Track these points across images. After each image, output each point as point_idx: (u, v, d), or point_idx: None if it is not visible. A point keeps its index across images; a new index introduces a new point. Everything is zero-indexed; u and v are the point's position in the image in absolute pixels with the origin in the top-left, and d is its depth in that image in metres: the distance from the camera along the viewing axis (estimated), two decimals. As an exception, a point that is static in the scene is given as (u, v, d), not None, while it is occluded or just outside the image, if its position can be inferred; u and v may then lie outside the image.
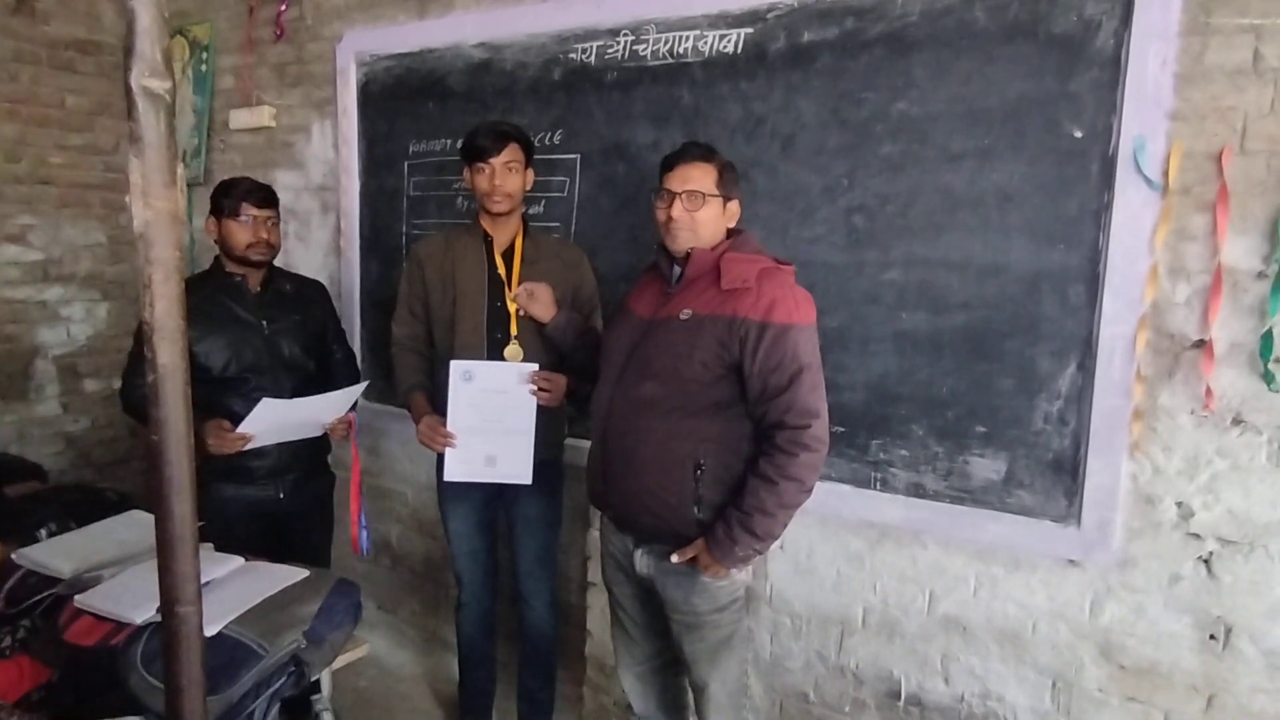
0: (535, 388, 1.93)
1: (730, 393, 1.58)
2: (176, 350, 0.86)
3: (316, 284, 2.33)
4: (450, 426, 1.95)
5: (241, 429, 1.88)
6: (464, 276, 2.03)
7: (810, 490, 1.55)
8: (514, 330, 2.00)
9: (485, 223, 2.04)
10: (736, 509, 1.54)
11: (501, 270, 2.02)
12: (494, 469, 1.98)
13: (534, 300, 1.95)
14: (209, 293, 2.07)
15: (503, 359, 1.99)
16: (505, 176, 1.95)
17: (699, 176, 1.61)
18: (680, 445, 1.59)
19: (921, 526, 1.88)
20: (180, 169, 0.81)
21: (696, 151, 1.65)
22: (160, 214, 0.83)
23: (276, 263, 2.20)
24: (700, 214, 1.61)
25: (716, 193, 1.62)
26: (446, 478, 2.00)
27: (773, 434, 1.53)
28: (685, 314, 1.60)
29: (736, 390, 1.57)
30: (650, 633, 1.83)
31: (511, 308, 2.00)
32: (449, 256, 2.06)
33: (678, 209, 1.61)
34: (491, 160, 1.93)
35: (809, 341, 1.55)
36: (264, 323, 2.10)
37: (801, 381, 1.51)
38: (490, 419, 1.95)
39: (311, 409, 2.00)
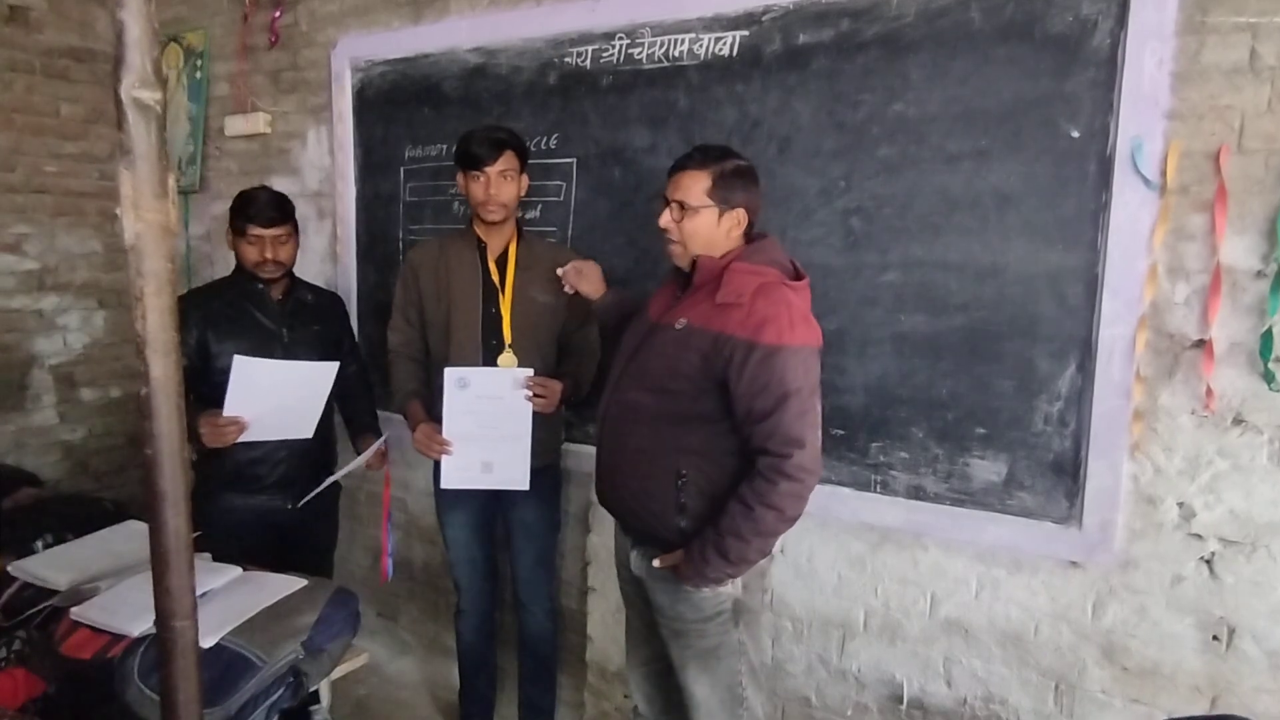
0: (530, 393, 1.92)
1: (716, 407, 1.52)
2: (169, 363, 0.85)
3: (335, 296, 2.34)
4: (446, 434, 1.95)
5: (227, 409, 1.83)
6: (458, 284, 2.02)
7: (792, 520, 1.49)
8: (508, 338, 1.99)
9: (479, 229, 2.03)
10: (713, 528, 1.49)
11: (495, 277, 2.01)
12: (491, 475, 1.98)
13: (583, 278, 1.93)
14: (232, 298, 2.08)
15: (497, 366, 1.98)
16: (500, 185, 1.93)
17: (688, 185, 1.56)
18: (662, 454, 1.57)
19: (922, 529, 1.88)
20: (171, 180, 0.81)
21: (695, 158, 1.59)
22: (151, 226, 0.82)
23: (295, 272, 2.18)
24: (687, 225, 1.56)
25: (708, 202, 1.55)
26: (443, 485, 1.99)
27: (756, 458, 1.48)
28: (680, 323, 1.56)
29: (723, 405, 1.51)
30: (654, 633, 1.82)
31: (505, 314, 1.99)
32: (443, 263, 2.05)
33: (665, 217, 1.59)
34: (486, 169, 1.92)
35: (801, 365, 1.46)
36: (284, 331, 2.09)
37: (787, 408, 1.43)
38: (486, 425, 1.94)
39: (290, 376, 1.95)
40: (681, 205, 1.56)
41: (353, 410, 2.32)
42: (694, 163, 1.57)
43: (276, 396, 1.94)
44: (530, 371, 1.94)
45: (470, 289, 2.01)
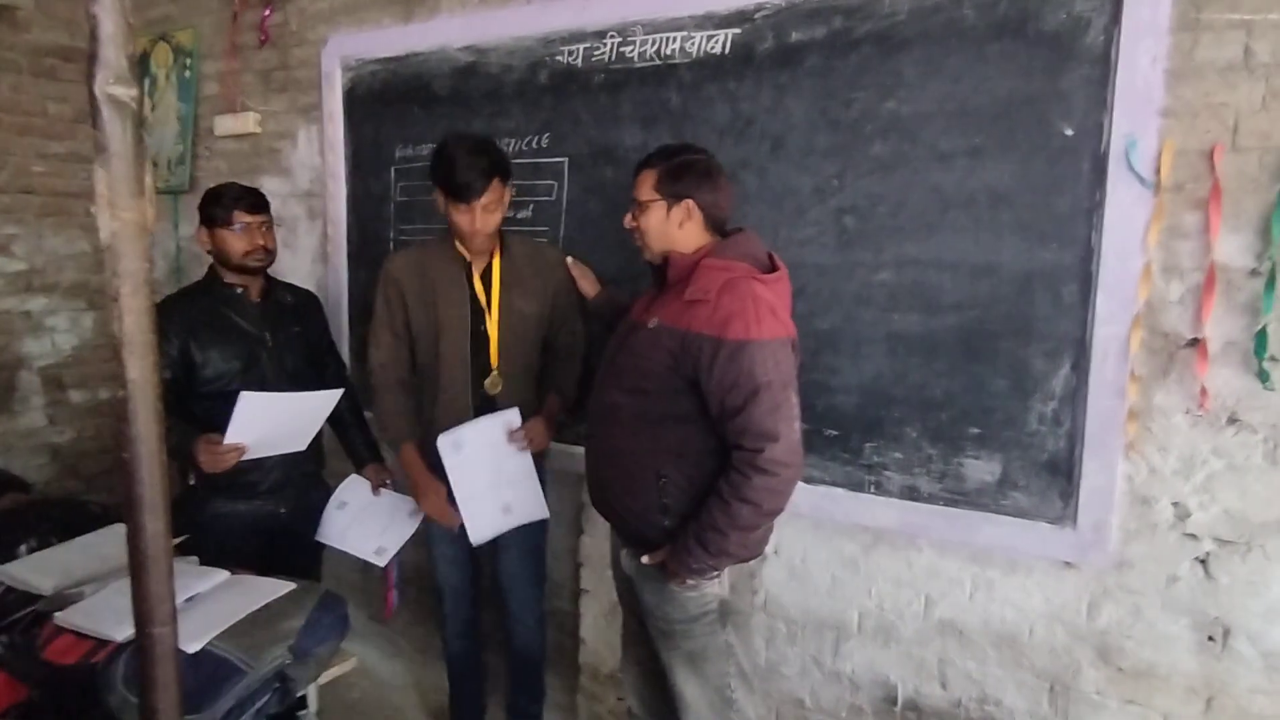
0: (523, 444, 1.94)
1: (692, 406, 1.51)
2: (147, 365, 0.83)
3: (311, 294, 2.31)
4: (458, 496, 1.94)
5: (229, 437, 1.80)
6: (445, 304, 1.97)
7: (770, 514, 1.49)
8: (495, 361, 1.98)
9: (460, 244, 1.98)
10: (695, 521, 1.50)
11: (482, 297, 1.98)
12: (512, 515, 2.00)
13: (582, 279, 2.06)
14: (210, 304, 2.02)
15: (484, 389, 1.98)
16: (486, 218, 1.86)
17: (641, 182, 1.62)
18: (642, 455, 1.56)
19: (916, 530, 1.86)
20: (148, 178, 0.79)
21: (651, 156, 1.64)
22: (128, 225, 0.80)
23: (270, 273, 2.15)
24: (643, 221, 1.61)
25: (655, 196, 1.58)
26: (474, 541, 1.98)
27: (732, 454, 1.47)
28: (653, 322, 1.56)
29: (699, 404, 1.50)
30: (648, 634, 1.81)
31: (492, 335, 1.98)
32: (428, 280, 1.99)
33: (628, 217, 1.64)
34: (474, 202, 1.83)
35: (770, 358, 1.44)
36: (267, 334, 2.05)
37: (758, 402, 1.42)
38: (492, 475, 1.95)
39: (293, 407, 1.94)
40: (637, 203, 1.61)
41: (346, 432, 2.27)
42: (645, 162, 1.63)
43: (278, 423, 1.92)
44: (516, 413, 1.94)
45: (458, 310, 1.97)
